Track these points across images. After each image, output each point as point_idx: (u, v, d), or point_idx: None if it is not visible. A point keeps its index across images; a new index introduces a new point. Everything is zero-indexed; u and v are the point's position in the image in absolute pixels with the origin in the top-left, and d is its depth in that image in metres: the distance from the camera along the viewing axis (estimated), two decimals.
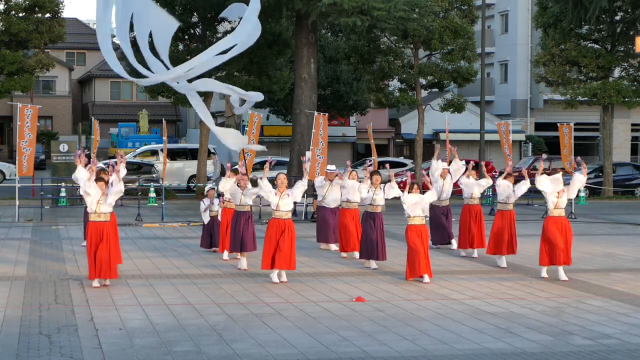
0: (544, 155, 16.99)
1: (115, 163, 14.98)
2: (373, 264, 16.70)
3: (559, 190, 15.19)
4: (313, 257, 18.08)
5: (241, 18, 14.05)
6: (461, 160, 19.65)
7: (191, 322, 11.43)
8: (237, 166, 18.01)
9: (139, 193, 30.46)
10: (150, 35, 13.29)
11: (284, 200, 14.90)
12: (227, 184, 16.81)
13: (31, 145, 25.07)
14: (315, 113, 28.32)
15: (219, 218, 18.03)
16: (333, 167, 20.10)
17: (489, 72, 55.50)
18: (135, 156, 39.74)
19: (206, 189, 19.58)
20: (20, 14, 35.65)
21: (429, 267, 15.09)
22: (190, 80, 14.18)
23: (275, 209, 14.89)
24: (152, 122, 57.35)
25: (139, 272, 15.72)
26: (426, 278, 14.94)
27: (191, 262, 17.07)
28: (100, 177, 14.61)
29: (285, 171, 33.99)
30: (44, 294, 13.37)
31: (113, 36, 14.83)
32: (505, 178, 16.89)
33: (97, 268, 14.10)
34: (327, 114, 29.29)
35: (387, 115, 53.16)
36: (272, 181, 15.21)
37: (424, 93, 41.08)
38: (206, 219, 18.53)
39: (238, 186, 16.56)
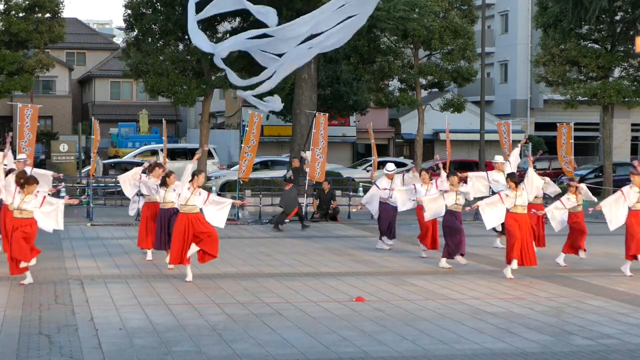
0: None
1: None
2: (463, 260, 16.81)
3: None
4: (313, 257, 18.09)
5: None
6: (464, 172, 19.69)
7: (191, 322, 11.43)
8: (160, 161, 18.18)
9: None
10: None
11: (194, 197, 14.77)
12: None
13: (31, 145, 25.04)
14: (316, 113, 28.32)
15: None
16: (393, 166, 20.21)
17: (489, 72, 55.49)
18: (135, 156, 39.76)
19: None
20: (20, 14, 35.71)
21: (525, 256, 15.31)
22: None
23: (184, 203, 14.77)
24: (152, 122, 57.32)
25: (139, 272, 15.73)
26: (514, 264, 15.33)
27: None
28: (32, 178, 14.46)
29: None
30: (44, 294, 13.37)
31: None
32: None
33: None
34: (327, 113, 29.30)
35: (387, 115, 53.15)
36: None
37: (424, 93, 41.10)
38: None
39: (164, 184, 16.52)
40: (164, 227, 16.52)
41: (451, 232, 16.69)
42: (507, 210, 15.55)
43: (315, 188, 28.86)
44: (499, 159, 20.14)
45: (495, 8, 55.12)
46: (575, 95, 37.10)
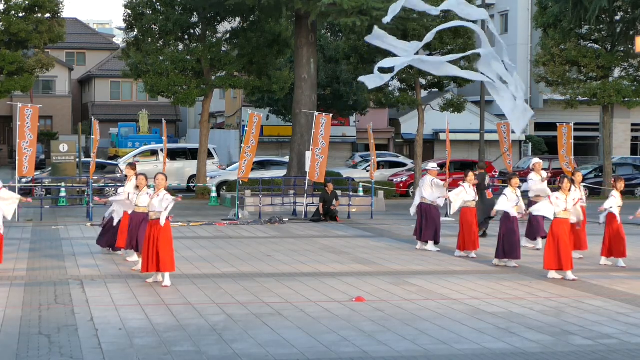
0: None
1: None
2: (513, 263, 16.95)
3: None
4: (313, 257, 18.09)
5: None
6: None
7: (191, 322, 11.43)
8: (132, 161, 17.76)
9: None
10: None
11: (155, 199, 14.46)
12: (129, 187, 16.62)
13: (32, 146, 25.05)
14: (316, 113, 28.32)
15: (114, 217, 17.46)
16: (435, 164, 20.26)
17: None
18: (135, 156, 39.78)
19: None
20: (20, 14, 35.71)
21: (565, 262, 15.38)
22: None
23: (147, 206, 14.52)
24: (152, 122, 57.35)
25: (138, 272, 15.71)
26: (570, 275, 15.37)
27: (191, 262, 17.07)
28: None
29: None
30: (44, 294, 13.36)
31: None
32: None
33: None
34: (330, 114, 29.32)
35: (387, 115, 53.17)
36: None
37: (424, 93, 41.09)
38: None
39: (136, 187, 16.02)
40: (134, 232, 16.03)
41: (508, 234, 16.88)
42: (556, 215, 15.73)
43: (315, 188, 28.86)
44: (536, 159, 20.52)
45: (495, 8, 55.10)
46: (575, 95, 37.12)
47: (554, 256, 15.40)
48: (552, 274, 15.54)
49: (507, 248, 16.83)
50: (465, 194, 18.33)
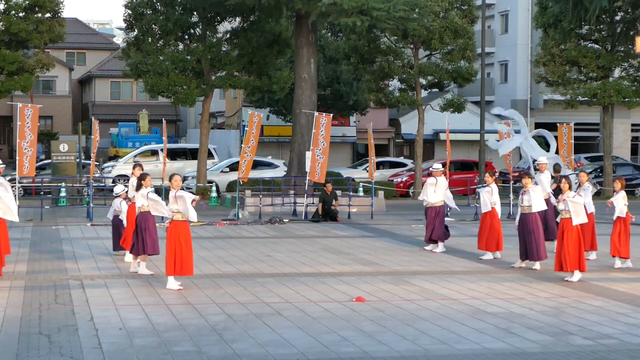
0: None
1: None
2: (519, 263, 16.92)
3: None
4: (313, 257, 18.09)
5: None
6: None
7: (191, 322, 11.43)
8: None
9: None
10: None
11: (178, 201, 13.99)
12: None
13: (32, 146, 25.05)
14: (316, 113, 28.32)
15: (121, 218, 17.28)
16: (439, 165, 20.09)
17: (489, 72, 55.47)
18: (135, 156, 39.78)
19: (119, 190, 17.86)
20: (20, 14, 35.72)
21: (575, 263, 15.23)
22: None
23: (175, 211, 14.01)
24: (152, 122, 57.32)
25: (138, 272, 15.70)
26: (575, 275, 15.24)
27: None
28: None
29: (273, 173, 34.12)
30: (44, 294, 13.36)
31: None
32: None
33: None
34: (330, 114, 29.31)
35: (387, 115, 53.14)
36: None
37: (424, 93, 41.10)
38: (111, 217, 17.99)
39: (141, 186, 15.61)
40: (137, 232, 15.59)
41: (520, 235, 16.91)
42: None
43: (315, 189, 28.86)
44: (543, 159, 20.01)
45: (495, 8, 55.11)
46: (575, 96, 37.13)
47: (557, 256, 15.39)
48: (577, 276, 15.39)
49: (522, 249, 16.87)
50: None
